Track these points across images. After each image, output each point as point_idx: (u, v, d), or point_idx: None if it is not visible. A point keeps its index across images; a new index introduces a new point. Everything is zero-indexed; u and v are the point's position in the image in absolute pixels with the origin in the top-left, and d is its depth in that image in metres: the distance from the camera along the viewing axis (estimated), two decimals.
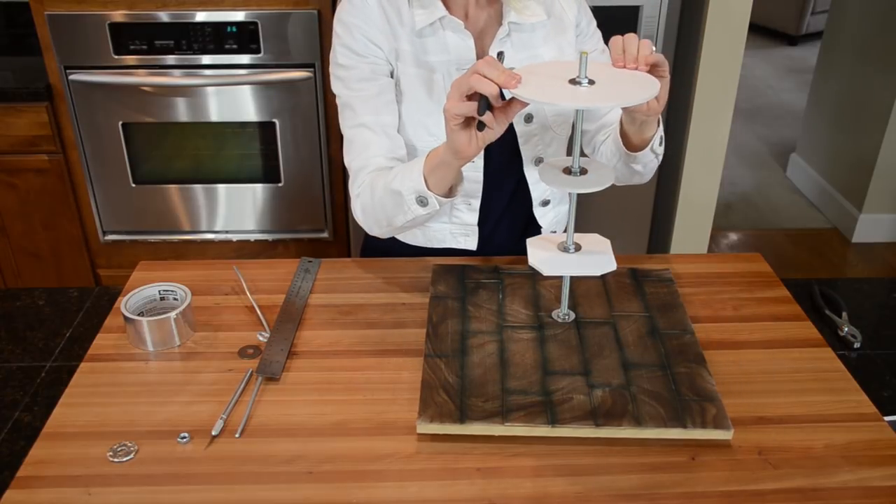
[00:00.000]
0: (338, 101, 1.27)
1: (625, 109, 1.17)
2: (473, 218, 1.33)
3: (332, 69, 1.27)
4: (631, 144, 1.22)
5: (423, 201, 1.10)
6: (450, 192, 1.12)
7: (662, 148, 1.26)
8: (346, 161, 1.26)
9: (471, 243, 1.35)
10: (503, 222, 1.38)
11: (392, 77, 1.25)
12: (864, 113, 3.17)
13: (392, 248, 1.39)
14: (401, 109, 1.26)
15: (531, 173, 1.33)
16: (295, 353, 1.09)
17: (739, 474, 0.89)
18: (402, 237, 1.38)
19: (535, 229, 1.39)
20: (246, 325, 1.14)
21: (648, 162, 1.26)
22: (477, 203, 1.32)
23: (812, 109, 3.59)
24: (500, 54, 1.00)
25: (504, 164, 1.32)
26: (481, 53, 1.25)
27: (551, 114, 1.29)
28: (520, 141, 1.29)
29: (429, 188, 1.09)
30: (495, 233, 1.38)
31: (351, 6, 1.23)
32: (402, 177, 1.12)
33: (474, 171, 1.29)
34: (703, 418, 0.93)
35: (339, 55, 1.24)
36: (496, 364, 1.03)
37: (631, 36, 1.01)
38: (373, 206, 1.19)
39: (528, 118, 1.28)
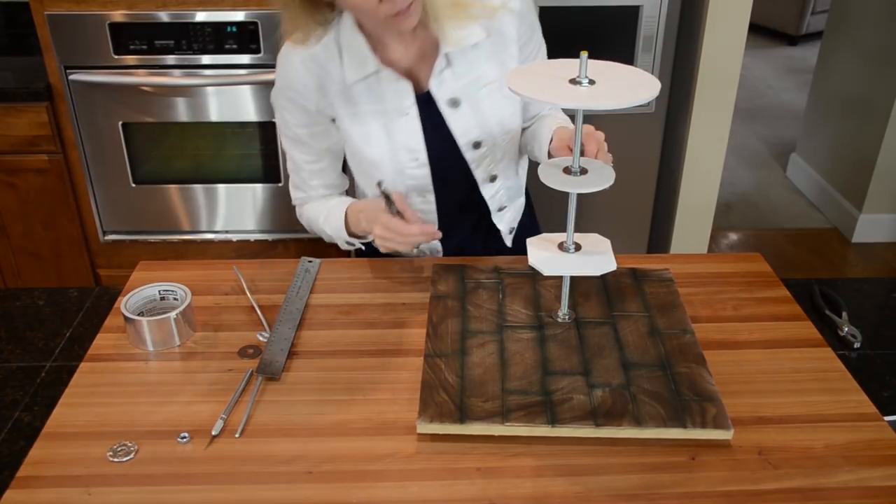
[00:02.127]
0: (282, 145, 1.35)
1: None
2: (436, 244, 1.37)
3: (277, 122, 1.32)
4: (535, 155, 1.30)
5: (351, 244, 1.32)
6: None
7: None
8: (290, 187, 1.40)
9: (438, 246, 1.39)
10: (463, 228, 1.41)
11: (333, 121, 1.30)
12: (864, 113, 3.17)
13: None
14: (347, 153, 1.32)
15: (487, 189, 1.34)
16: (295, 353, 1.09)
17: (739, 474, 0.89)
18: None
19: (494, 231, 1.42)
20: (246, 325, 1.14)
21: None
22: (434, 216, 1.35)
23: (812, 109, 3.59)
24: (380, 183, 1.20)
25: (455, 184, 1.34)
26: (420, 88, 1.24)
27: (500, 132, 1.29)
28: (472, 166, 1.31)
29: (354, 234, 1.30)
30: (460, 236, 1.41)
31: (280, 72, 1.26)
32: (329, 225, 1.32)
33: (426, 204, 1.33)
34: (703, 418, 0.93)
35: (282, 120, 1.30)
36: (496, 364, 1.03)
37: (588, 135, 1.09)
38: (311, 228, 1.40)
39: (477, 145, 1.28)
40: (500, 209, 1.38)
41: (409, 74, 1.24)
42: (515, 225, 1.44)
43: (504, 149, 1.31)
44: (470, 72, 1.24)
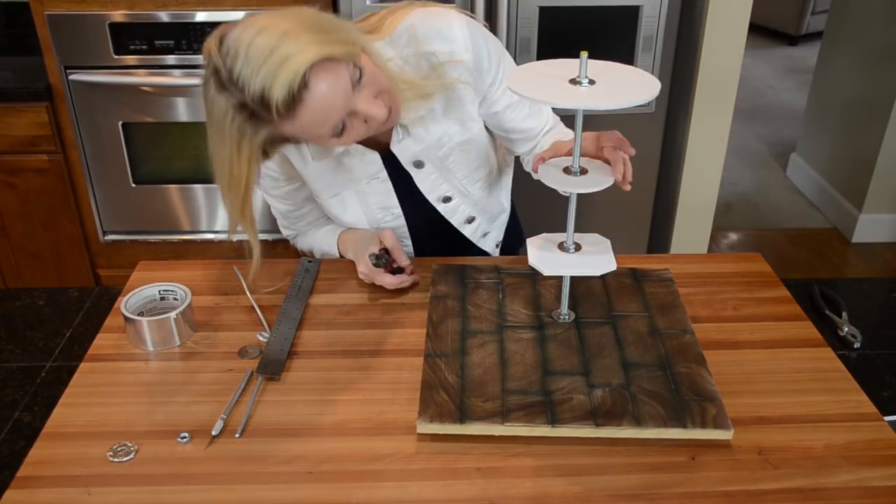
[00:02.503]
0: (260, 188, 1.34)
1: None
2: (403, 227, 1.35)
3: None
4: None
5: (343, 256, 1.33)
6: None
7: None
8: (281, 227, 1.44)
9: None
10: (449, 254, 1.40)
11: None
12: (864, 113, 3.17)
13: None
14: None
15: (466, 229, 1.35)
16: (295, 353, 1.09)
17: (739, 474, 0.89)
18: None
19: (480, 250, 1.42)
20: (246, 325, 1.14)
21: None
22: (412, 253, 1.37)
23: (812, 109, 3.59)
24: (371, 255, 1.20)
25: (434, 226, 1.34)
26: (386, 149, 1.22)
27: (469, 184, 1.29)
28: (446, 216, 1.31)
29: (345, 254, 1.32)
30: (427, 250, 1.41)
31: (263, 167, 1.23)
32: (321, 251, 1.36)
33: (404, 248, 1.33)
34: (703, 418, 0.93)
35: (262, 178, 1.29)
36: (496, 364, 1.03)
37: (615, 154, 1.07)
38: (302, 249, 1.43)
39: (447, 199, 1.29)
40: (484, 235, 1.39)
41: (373, 142, 1.21)
42: (501, 238, 1.44)
43: (476, 195, 1.32)
44: (428, 135, 1.22)
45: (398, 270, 1.22)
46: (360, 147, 1.22)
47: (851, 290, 1.34)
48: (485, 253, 1.42)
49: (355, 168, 1.24)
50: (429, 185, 1.27)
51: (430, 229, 1.34)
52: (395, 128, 1.19)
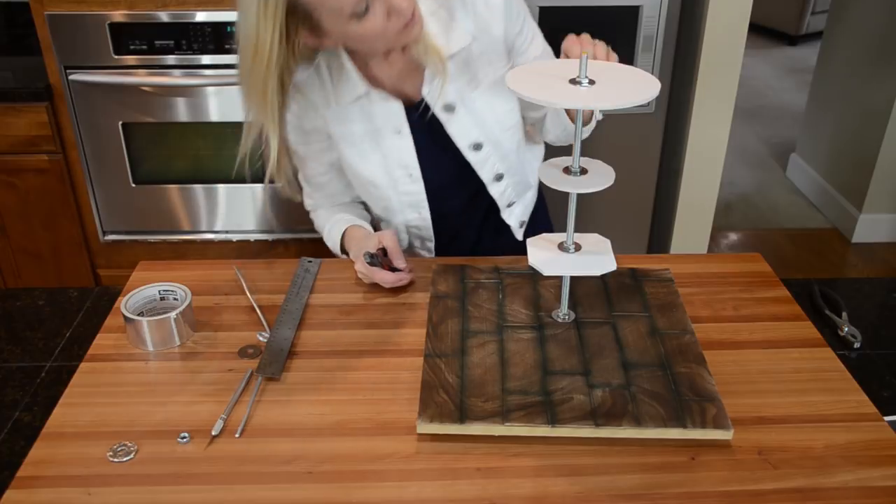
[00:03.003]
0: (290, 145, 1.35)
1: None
2: (428, 230, 1.37)
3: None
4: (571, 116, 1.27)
5: (345, 253, 1.34)
6: None
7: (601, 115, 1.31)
8: (304, 196, 1.43)
9: (426, 251, 1.40)
10: (471, 228, 1.41)
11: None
12: (864, 113, 3.17)
13: None
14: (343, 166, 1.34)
15: (494, 188, 1.34)
16: (295, 353, 1.09)
17: (739, 474, 0.89)
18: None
19: (504, 227, 1.41)
20: (246, 325, 1.14)
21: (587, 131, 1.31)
22: (429, 232, 1.37)
23: (812, 109, 3.59)
24: (366, 254, 1.20)
25: (458, 189, 1.35)
26: (411, 102, 1.24)
27: (499, 131, 1.29)
28: (476, 168, 1.31)
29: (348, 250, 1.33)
30: (459, 236, 1.41)
31: (289, 113, 1.26)
32: (331, 240, 1.36)
33: (421, 220, 1.34)
34: (703, 418, 0.93)
35: (290, 138, 1.30)
36: (496, 364, 1.03)
37: (586, 41, 1.08)
38: (317, 226, 1.44)
39: (477, 146, 1.28)
40: (509, 205, 1.38)
41: (397, 92, 1.24)
42: (526, 219, 1.43)
43: (506, 147, 1.31)
44: (460, 76, 1.24)
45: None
46: (384, 93, 1.23)
47: (851, 290, 1.34)
48: (506, 231, 1.40)
49: (377, 116, 1.24)
50: (460, 129, 1.26)
51: (450, 193, 1.33)
52: (425, 71, 1.22)
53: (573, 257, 1.05)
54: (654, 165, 2.29)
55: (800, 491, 0.87)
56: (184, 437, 0.93)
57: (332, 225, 1.37)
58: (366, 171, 1.29)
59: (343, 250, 1.34)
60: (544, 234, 1.10)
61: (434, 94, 1.23)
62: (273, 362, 1.05)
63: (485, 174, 1.31)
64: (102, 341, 1.11)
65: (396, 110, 1.24)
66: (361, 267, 1.21)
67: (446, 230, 1.38)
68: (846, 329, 1.22)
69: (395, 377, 1.04)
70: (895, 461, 0.91)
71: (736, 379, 1.03)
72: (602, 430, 0.93)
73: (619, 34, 2.10)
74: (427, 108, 1.24)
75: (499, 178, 1.33)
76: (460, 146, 1.27)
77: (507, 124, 1.29)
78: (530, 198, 1.44)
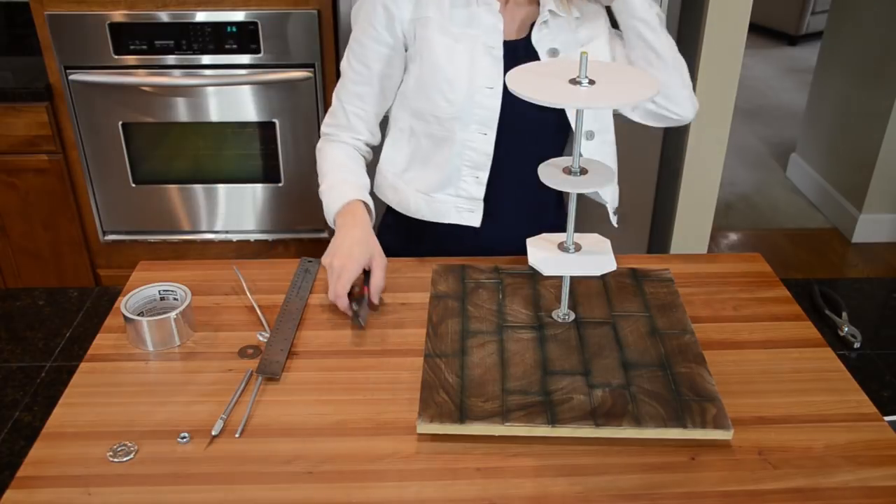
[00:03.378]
0: (340, 65, 1.32)
1: None
2: (480, 192, 1.30)
3: (351, 38, 1.30)
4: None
5: (330, 225, 1.27)
6: None
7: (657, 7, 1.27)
8: (326, 117, 1.35)
9: (475, 219, 1.32)
10: (512, 199, 1.36)
11: (404, 59, 1.29)
12: (864, 113, 3.17)
13: (402, 249, 1.38)
14: (417, 73, 1.27)
15: (584, 149, 1.27)
16: (295, 353, 1.09)
17: (739, 474, 0.89)
18: (406, 212, 1.37)
19: (551, 216, 1.38)
20: (246, 325, 1.14)
21: (656, 45, 1.24)
22: (485, 177, 1.29)
23: (812, 109, 3.59)
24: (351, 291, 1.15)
25: (521, 141, 1.30)
26: (511, 35, 1.26)
27: (578, 46, 1.27)
28: (569, 115, 1.27)
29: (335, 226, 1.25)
30: (504, 210, 1.35)
31: None
32: (327, 196, 1.27)
33: (485, 144, 1.27)
34: (703, 418, 0.93)
35: (358, 24, 1.28)
36: (496, 364, 1.03)
37: None
38: (318, 165, 1.34)
39: (553, 52, 1.27)
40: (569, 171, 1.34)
41: (511, 26, 1.26)
42: (617, 203, 1.40)
43: (602, 111, 1.28)
44: (567, 31, 1.26)
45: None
46: (495, 8, 1.23)
47: (851, 290, 1.34)
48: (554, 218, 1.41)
49: (480, 21, 1.24)
50: None
51: (519, 136, 1.29)
52: (539, 14, 1.24)
53: (573, 257, 1.05)
54: (654, 165, 2.29)
55: (800, 491, 0.87)
56: (184, 437, 0.93)
57: (335, 180, 1.28)
58: (450, 67, 1.24)
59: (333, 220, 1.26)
60: (544, 234, 1.10)
61: (542, 38, 1.25)
62: (273, 362, 1.05)
63: (576, 127, 1.28)
64: (102, 341, 1.11)
65: (498, 27, 1.24)
66: (334, 291, 1.14)
67: (494, 197, 1.33)
68: (846, 329, 1.22)
69: (395, 377, 1.04)
70: (895, 461, 0.91)
71: (736, 379, 1.03)
72: (602, 430, 0.93)
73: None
74: (531, 50, 1.25)
75: (589, 136, 1.28)
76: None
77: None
78: (614, 187, 1.40)
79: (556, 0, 1.24)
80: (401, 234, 1.41)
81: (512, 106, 1.25)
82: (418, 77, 1.27)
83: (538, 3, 1.27)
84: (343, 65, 1.32)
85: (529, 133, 1.30)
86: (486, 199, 1.31)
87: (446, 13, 1.24)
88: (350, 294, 1.14)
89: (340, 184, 1.27)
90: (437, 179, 1.31)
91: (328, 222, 1.27)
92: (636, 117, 1.31)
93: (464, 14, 1.24)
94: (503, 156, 1.29)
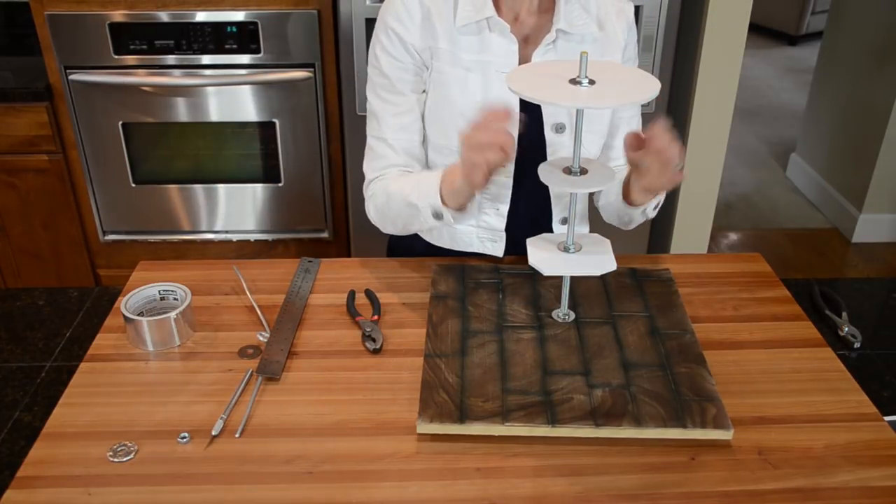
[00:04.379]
0: (367, 105, 1.29)
1: (636, 175, 1.13)
2: (501, 223, 1.30)
3: (369, 71, 1.27)
4: (629, 197, 1.21)
5: (438, 215, 1.16)
6: (463, 207, 1.16)
7: (655, 212, 1.26)
8: (364, 166, 1.31)
9: (497, 249, 1.32)
10: (530, 231, 1.36)
11: (424, 87, 1.26)
12: (864, 113, 3.17)
13: (418, 251, 1.38)
14: (431, 104, 1.25)
15: (551, 138, 1.27)
16: (295, 353, 1.09)
17: (739, 474, 0.89)
18: (429, 239, 1.37)
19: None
20: (246, 325, 1.14)
21: (634, 217, 1.26)
22: (505, 209, 1.29)
23: (812, 109, 3.59)
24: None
25: (533, 169, 1.28)
26: (524, 59, 1.22)
27: (583, 123, 1.26)
28: (548, 151, 1.25)
29: (444, 204, 1.14)
30: (522, 240, 1.35)
31: (393, 7, 1.22)
32: (419, 192, 1.17)
33: (504, 177, 1.26)
34: (703, 418, 0.93)
35: (377, 59, 1.25)
36: (496, 364, 1.03)
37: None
38: (387, 211, 1.26)
39: (560, 128, 1.24)
40: (563, 222, 1.33)
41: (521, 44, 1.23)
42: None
43: (582, 147, 1.26)
44: (572, 57, 1.20)
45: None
46: (507, 27, 1.19)
47: (851, 290, 1.34)
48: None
49: (493, 47, 1.20)
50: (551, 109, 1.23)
51: (531, 168, 1.24)
52: (549, 31, 1.20)
53: (573, 257, 1.05)
54: None
55: (800, 491, 0.87)
56: (184, 437, 0.93)
57: (418, 178, 1.20)
58: (464, 100, 1.21)
59: (442, 201, 1.15)
60: (544, 234, 1.10)
61: (551, 57, 1.21)
62: (273, 362, 1.06)
63: (576, 127, 1.26)
64: (102, 341, 1.11)
65: (512, 50, 1.20)
66: (469, 137, 1.03)
67: (513, 227, 1.31)
68: (846, 329, 1.22)
69: (395, 377, 1.04)
70: (895, 461, 0.91)
71: (736, 379, 1.03)
72: (602, 430, 0.93)
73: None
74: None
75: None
76: (546, 121, 1.23)
77: (593, 124, 1.25)
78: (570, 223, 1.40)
79: (567, 19, 1.20)
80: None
81: (529, 135, 1.23)
82: (432, 108, 1.25)
83: (550, 12, 1.23)
84: (374, 105, 1.27)
85: (541, 160, 1.27)
86: (508, 229, 1.31)
87: (456, 42, 1.21)
88: (361, 317, 1.15)
89: (421, 179, 1.20)
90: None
91: (439, 214, 1.16)
92: (604, 215, 1.34)
93: (475, 41, 1.21)
94: (520, 185, 1.28)
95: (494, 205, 1.30)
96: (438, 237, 1.36)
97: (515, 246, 1.33)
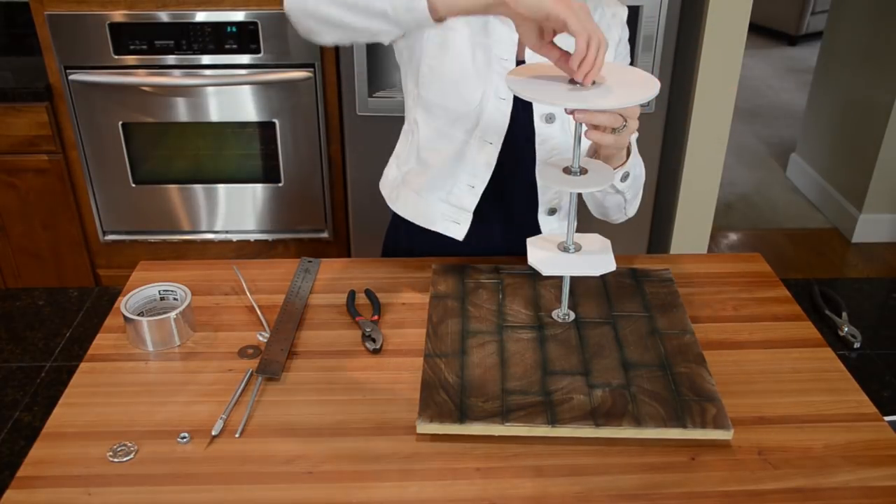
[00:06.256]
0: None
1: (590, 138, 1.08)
2: (471, 203, 1.27)
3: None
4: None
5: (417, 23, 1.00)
6: (454, 14, 0.99)
7: (629, 187, 1.21)
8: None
9: (458, 232, 1.29)
10: (501, 222, 1.35)
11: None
12: (864, 113, 3.17)
13: (412, 251, 1.38)
14: (435, 62, 1.21)
15: (541, 129, 1.26)
16: (295, 353, 1.09)
17: (739, 474, 0.89)
18: (394, 206, 1.34)
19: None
20: (246, 325, 1.14)
21: (609, 197, 1.24)
22: (480, 188, 1.26)
23: (812, 109, 3.59)
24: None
25: (520, 158, 1.27)
26: (521, 52, 1.21)
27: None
28: (537, 140, 1.25)
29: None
30: (490, 229, 1.34)
31: None
32: None
33: (487, 155, 1.24)
34: (703, 418, 0.93)
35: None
36: (496, 364, 1.03)
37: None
38: None
39: (550, 118, 1.23)
40: (551, 212, 1.32)
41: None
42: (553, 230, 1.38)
43: (570, 140, 1.24)
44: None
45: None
46: (512, 24, 1.08)
47: (851, 290, 1.34)
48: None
49: (496, 33, 1.18)
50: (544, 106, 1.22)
51: (517, 154, 1.26)
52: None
53: (573, 257, 1.05)
54: (654, 165, 2.29)
55: (800, 491, 0.87)
56: (184, 437, 0.93)
57: None
58: (471, 62, 1.18)
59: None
60: (544, 234, 1.10)
61: (534, 56, 1.18)
62: (273, 362, 1.06)
63: (541, 152, 1.25)
64: (102, 341, 1.11)
65: (513, 40, 1.18)
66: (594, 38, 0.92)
67: (483, 213, 1.30)
68: (846, 329, 1.22)
69: (395, 377, 1.04)
70: (895, 461, 0.91)
71: (736, 379, 1.03)
72: (602, 430, 0.93)
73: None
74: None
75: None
76: (536, 111, 1.22)
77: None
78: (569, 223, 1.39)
79: None
80: (400, 237, 1.41)
81: (519, 121, 1.23)
82: (435, 66, 1.21)
83: None
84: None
85: (529, 150, 1.27)
86: (486, 215, 1.30)
87: (459, 29, 1.19)
88: (361, 317, 1.15)
89: None
90: (430, 178, 1.28)
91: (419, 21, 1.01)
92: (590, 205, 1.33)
93: (480, 21, 1.19)
94: (503, 169, 1.27)
95: (470, 180, 1.26)
96: (403, 207, 1.32)
97: (480, 234, 1.31)
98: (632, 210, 1.29)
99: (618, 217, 1.31)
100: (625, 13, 1.26)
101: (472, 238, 1.31)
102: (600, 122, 0.99)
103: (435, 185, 1.28)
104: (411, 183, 1.32)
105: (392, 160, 1.37)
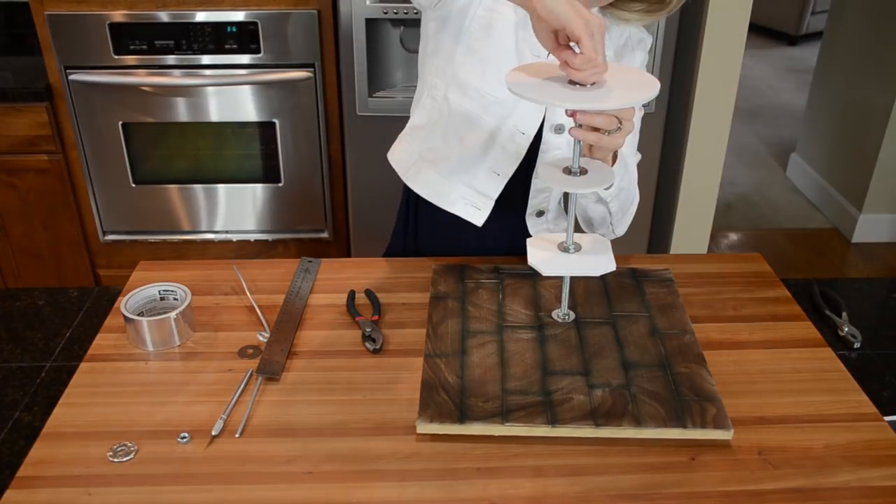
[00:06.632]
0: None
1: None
2: (494, 189, 1.25)
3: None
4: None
5: None
6: None
7: (613, 197, 1.20)
8: None
9: (478, 217, 1.26)
10: (500, 219, 1.33)
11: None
12: (864, 113, 3.17)
13: (415, 253, 1.37)
14: (476, 43, 1.19)
15: (536, 180, 1.27)
16: (295, 353, 1.09)
17: (739, 474, 0.89)
18: (411, 183, 1.31)
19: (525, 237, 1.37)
20: (246, 325, 1.14)
21: (592, 206, 1.23)
22: (506, 178, 1.24)
23: (812, 109, 3.59)
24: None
25: (523, 164, 1.26)
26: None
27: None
28: (541, 148, 1.23)
29: None
30: (482, 230, 1.31)
31: None
32: None
33: (517, 146, 1.21)
34: (703, 418, 0.93)
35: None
36: (496, 364, 1.03)
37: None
38: None
39: (559, 129, 1.22)
40: (539, 214, 1.32)
41: None
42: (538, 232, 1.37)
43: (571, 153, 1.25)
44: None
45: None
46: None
47: (851, 290, 1.34)
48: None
49: (521, 33, 1.17)
50: (555, 110, 1.20)
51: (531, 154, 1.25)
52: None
53: (573, 257, 1.05)
54: (654, 165, 2.29)
55: (800, 491, 0.87)
56: (184, 437, 0.93)
57: None
58: (515, 49, 1.17)
59: None
60: (544, 234, 1.10)
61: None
62: (273, 362, 1.06)
63: (542, 160, 1.23)
64: (102, 341, 1.11)
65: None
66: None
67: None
68: (846, 329, 1.22)
69: (395, 377, 1.04)
70: (895, 461, 0.91)
71: (736, 379, 1.03)
72: (602, 430, 0.93)
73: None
74: None
75: (559, 129, 1.25)
76: (547, 120, 1.21)
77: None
78: (561, 229, 1.36)
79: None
80: (409, 229, 1.39)
81: (551, 119, 1.22)
82: (477, 48, 1.18)
83: None
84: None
85: (529, 156, 1.25)
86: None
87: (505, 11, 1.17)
88: (361, 317, 1.14)
89: None
90: (455, 159, 1.25)
91: None
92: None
93: (523, 12, 1.12)
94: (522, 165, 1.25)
95: (495, 167, 1.24)
96: (423, 184, 1.29)
97: (480, 232, 1.29)
98: (620, 229, 1.28)
99: (604, 232, 1.29)
100: (650, 42, 1.26)
101: (473, 238, 1.31)
102: (597, 124, 0.99)
103: (460, 169, 1.24)
104: (433, 161, 1.27)
105: (408, 131, 1.32)
